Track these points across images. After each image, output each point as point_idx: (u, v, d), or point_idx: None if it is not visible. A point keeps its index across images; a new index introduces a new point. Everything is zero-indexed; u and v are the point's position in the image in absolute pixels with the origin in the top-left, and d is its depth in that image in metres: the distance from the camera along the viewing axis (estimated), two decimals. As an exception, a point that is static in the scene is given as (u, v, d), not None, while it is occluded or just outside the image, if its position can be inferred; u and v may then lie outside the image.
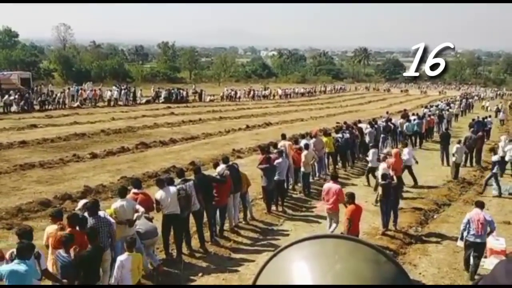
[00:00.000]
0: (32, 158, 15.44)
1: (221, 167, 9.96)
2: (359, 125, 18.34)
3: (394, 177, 10.98)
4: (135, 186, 8.55)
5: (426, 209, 12.04)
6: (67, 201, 10.96)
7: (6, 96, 28.02)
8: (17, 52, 59.27)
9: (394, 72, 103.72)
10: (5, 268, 5.32)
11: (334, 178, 9.85)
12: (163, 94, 38.26)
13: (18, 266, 5.29)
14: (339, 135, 15.83)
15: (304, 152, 12.48)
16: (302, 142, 13.62)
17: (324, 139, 14.75)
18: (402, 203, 11.35)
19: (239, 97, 44.32)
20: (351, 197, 8.40)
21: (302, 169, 12.53)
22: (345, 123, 18.51)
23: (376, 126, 18.44)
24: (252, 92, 46.70)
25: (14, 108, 27.88)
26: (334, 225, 9.29)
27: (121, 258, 6.43)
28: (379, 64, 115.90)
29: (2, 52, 58.67)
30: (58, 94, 31.55)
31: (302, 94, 54.85)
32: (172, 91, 39.67)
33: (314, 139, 14.26)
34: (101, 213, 7.00)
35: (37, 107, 29.29)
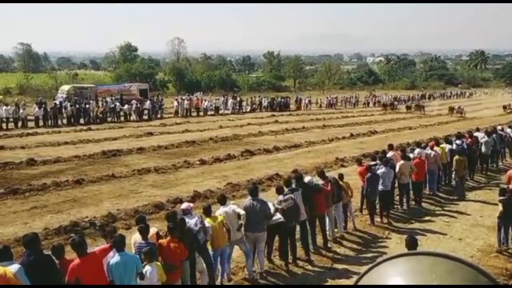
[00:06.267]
0: (148, 164, 16.70)
1: (309, 177, 9.88)
2: (476, 133, 16.98)
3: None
4: (252, 193, 8.39)
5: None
6: (178, 205, 11.65)
7: (126, 106, 30.72)
8: (136, 65, 64.30)
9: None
10: (110, 261, 5.84)
11: None
12: (265, 102, 39.38)
13: (120, 258, 5.83)
14: (452, 145, 14.74)
15: (400, 162, 11.90)
16: (416, 152, 12.99)
17: (439, 150, 13.80)
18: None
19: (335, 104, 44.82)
20: None
21: (398, 179, 11.94)
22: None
23: (495, 135, 16.92)
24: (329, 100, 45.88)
25: (133, 117, 30.47)
26: None
27: (145, 269, 6.19)
28: (498, 68, 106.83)
29: (123, 65, 64.37)
30: (170, 104, 33.97)
31: (405, 101, 52.24)
32: (276, 99, 40.59)
33: (427, 151, 13.31)
34: (192, 221, 7.34)
35: (153, 116, 31.65)
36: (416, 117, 37.63)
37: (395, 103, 46.54)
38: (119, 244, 5.92)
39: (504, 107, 43.80)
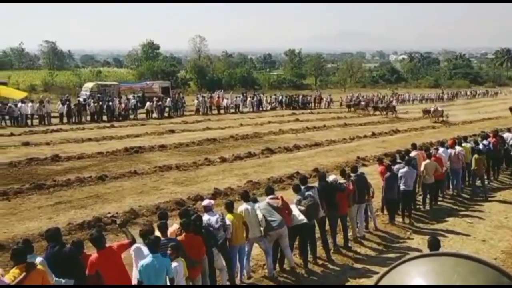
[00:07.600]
0: (169, 161, 16.84)
1: (333, 177, 9.81)
2: (505, 134, 16.51)
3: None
4: (268, 193, 8.44)
5: None
6: (199, 202, 11.72)
7: (148, 103, 31.01)
8: (158, 63, 64.86)
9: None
10: (142, 262, 5.76)
11: None
12: (283, 100, 39.35)
13: (152, 260, 5.73)
14: (478, 144, 14.39)
15: (426, 161, 11.72)
16: (440, 150, 12.80)
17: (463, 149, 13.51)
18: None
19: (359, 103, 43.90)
20: None
21: (422, 179, 11.78)
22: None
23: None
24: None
25: (155, 114, 30.75)
26: None
27: (173, 265, 6.06)
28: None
29: (146, 63, 64.99)
30: (191, 102, 34.17)
31: (427, 100, 51.46)
32: (295, 97, 40.50)
33: (451, 150, 13.05)
34: (213, 218, 7.34)
35: (174, 114, 31.89)
36: (390, 119, 33.35)
37: (362, 103, 38.91)
38: (153, 245, 5.82)
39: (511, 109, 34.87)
